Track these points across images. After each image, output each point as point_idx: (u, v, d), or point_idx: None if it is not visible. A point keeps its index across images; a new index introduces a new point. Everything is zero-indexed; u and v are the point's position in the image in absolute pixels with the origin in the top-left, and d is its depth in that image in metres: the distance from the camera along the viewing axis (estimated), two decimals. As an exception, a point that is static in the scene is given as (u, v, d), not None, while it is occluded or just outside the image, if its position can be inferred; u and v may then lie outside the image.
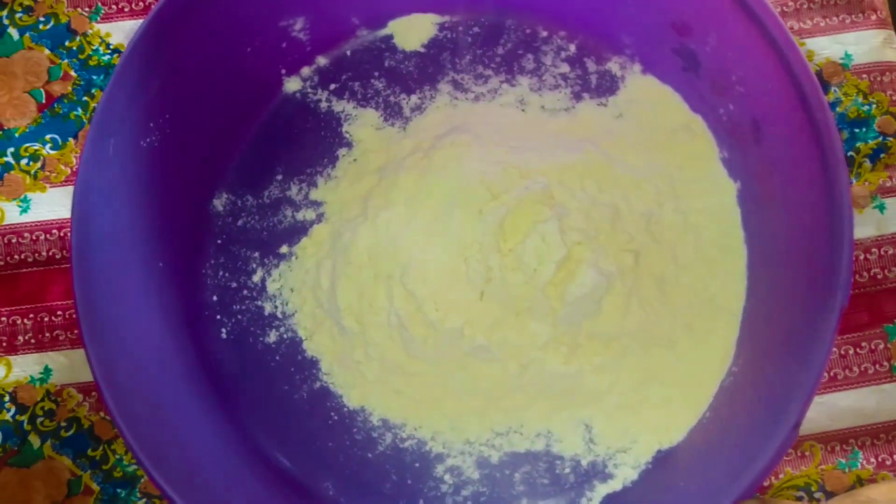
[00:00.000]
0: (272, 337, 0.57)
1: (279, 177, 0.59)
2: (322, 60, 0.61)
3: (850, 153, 0.60)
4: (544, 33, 0.61)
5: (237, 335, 0.57)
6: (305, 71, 0.61)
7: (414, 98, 0.61)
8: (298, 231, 0.58)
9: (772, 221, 0.52)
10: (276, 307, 0.57)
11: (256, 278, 0.58)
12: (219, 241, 0.58)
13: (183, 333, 0.55)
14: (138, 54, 0.50)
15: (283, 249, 0.58)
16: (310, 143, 0.60)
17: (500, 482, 0.54)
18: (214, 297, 0.57)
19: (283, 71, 0.61)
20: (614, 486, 0.53)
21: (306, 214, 0.59)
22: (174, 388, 0.52)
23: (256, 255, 0.58)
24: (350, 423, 0.55)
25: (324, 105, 0.61)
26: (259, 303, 0.57)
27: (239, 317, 0.57)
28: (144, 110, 0.52)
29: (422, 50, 0.61)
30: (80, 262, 0.48)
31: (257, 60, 0.58)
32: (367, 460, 0.54)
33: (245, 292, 0.58)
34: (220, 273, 0.58)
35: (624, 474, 0.53)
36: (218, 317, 0.57)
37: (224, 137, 0.59)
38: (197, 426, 0.52)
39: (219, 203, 0.59)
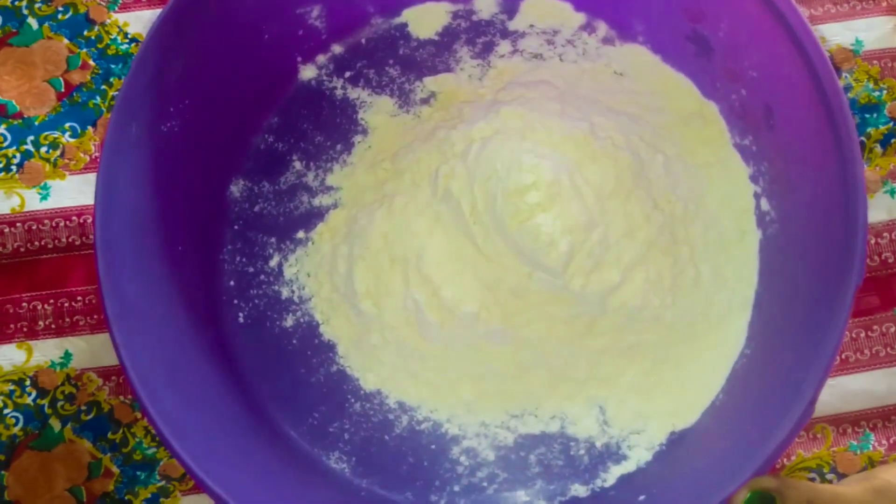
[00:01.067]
0: (289, 321, 0.58)
1: (295, 163, 0.60)
2: (337, 48, 0.62)
3: (861, 138, 0.61)
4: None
5: (254, 319, 0.58)
6: (321, 59, 0.62)
7: (429, 83, 0.62)
8: (314, 216, 0.59)
9: (784, 206, 0.53)
10: (292, 292, 0.58)
11: (273, 263, 0.59)
12: (236, 227, 0.60)
13: (201, 318, 0.56)
14: (159, 40, 0.51)
15: (300, 235, 0.59)
16: (325, 129, 0.61)
17: (515, 464, 0.55)
18: (232, 283, 0.59)
19: (300, 59, 0.62)
20: (628, 466, 0.54)
21: (322, 200, 0.60)
22: (194, 370, 0.53)
23: (273, 240, 0.59)
24: (367, 405, 0.56)
25: (339, 92, 0.62)
26: (276, 287, 0.58)
27: (256, 301, 0.58)
28: (164, 95, 0.53)
29: (436, 38, 0.62)
30: (103, 244, 0.49)
31: (274, 48, 0.60)
32: (383, 442, 0.55)
33: (262, 277, 0.59)
34: (238, 258, 0.59)
35: (638, 455, 0.54)
36: (235, 301, 0.58)
37: (241, 124, 0.60)
38: (217, 407, 0.53)
39: (236, 189, 0.60)
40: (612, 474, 0.54)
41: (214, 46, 0.55)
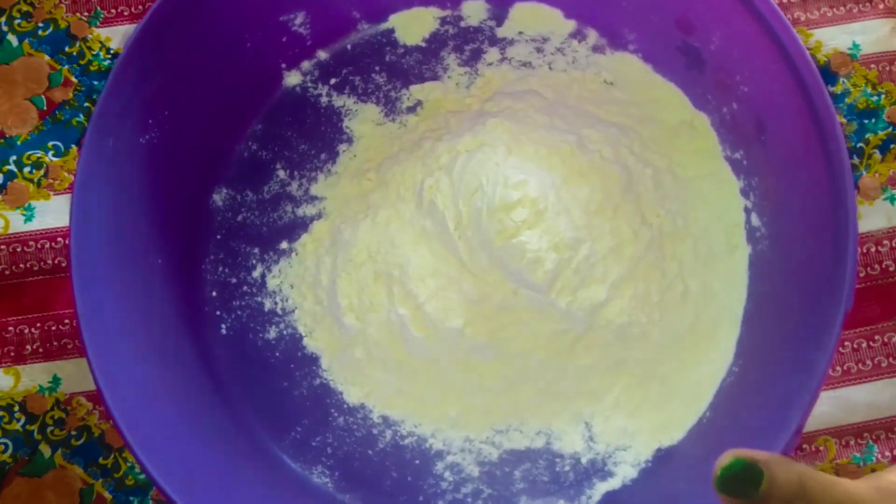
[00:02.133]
0: (272, 333, 0.58)
1: (279, 172, 0.60)
2: (322, 55, 0.62)
3: (859, 144, 0.61)
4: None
5: (237, 331, 0.58)
6: (306, 65, 0.62)
7: (416, 92, 0.61)
8: (298, 227, 0.60)
9: (775, 222, 0.53)
10: (275, 303, 0.59)
11: (256, 274, 0.59)
12: (218, 237, 0.60)
13: (183, 330, 0.56)
14: (137, 51, 0.51)
15: (283, 245, 0.59)
16: (310, 138, 0.61)
17: (499, 480, 0.55)
18: (214, 293, 0.59)
19: (284, 65, 0.61)
20: (614, 484, 0.54)
21: (306, 210, 0.60)
22: (174, 385, 0.53)
23: (256, 250, 0.59)
24: (350, 419, 0.57)
25: (324, 100, 0.62)
26: (259, 299, 0.59)
27: (239, 312, 0.59)
28: (144, 107, 0.53)
29: (423, 44, 0.62)
30: (79, 261, 0.49)
31: (257, 55, 0.59)
32: (367, 457, 0.56)
33: (245, 288, 0.59)
34: (220, 269, 0.59)
35: (624, 472, 0.54)
36: (218, 312, 0.58)
37: (224, 132, 0.60)
38: (197, 423, 0.53)
39: (218, 198, 0.60)
40: (598, 491, 0.54)
41: (195, 56, 0.55)
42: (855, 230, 0.46)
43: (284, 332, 0.58)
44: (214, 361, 0.57)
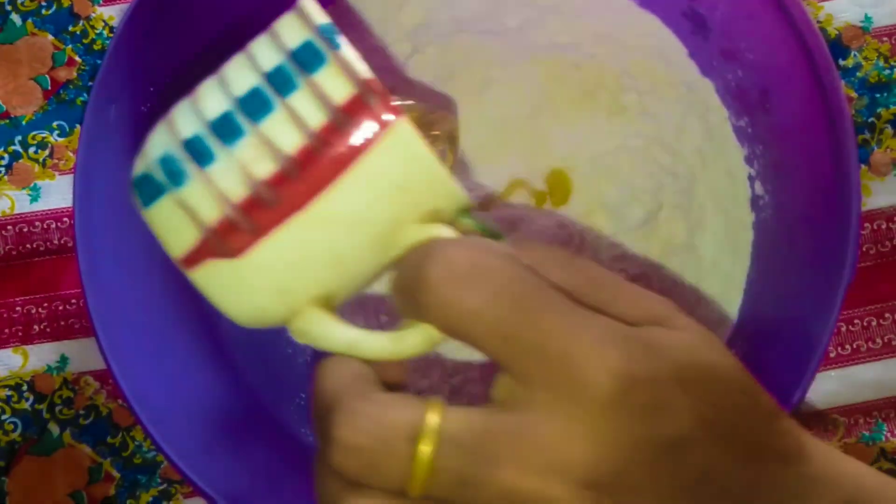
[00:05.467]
0: None
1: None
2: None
3: (870, 119, 0.62)
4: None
5: None
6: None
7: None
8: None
9: (779, 191, 0.55)
10: None
11: None
12: None
13: (188, 300, 0.58)
14: (138, 18, 0.53)
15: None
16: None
17: None
18: None
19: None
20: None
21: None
22: (182, 356, 0.56)
23: None
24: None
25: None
26: None
27: None
28: (145, 75, 0.55)
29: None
30: (83, 233, 0.51)
31: (258, 21, 0.60)
32: None
33: None
34: None
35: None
36: None
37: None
38: (206, 393, 0.56)
39: None
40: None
41: (196, 22, 0.57)
42: (858, 202, 0.47)
43: (290, 299, 0.60)
44: (219, 330, 0.60)
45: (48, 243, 0.63)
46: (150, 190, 0.34)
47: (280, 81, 0.33)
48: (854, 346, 0.60)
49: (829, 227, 0.47)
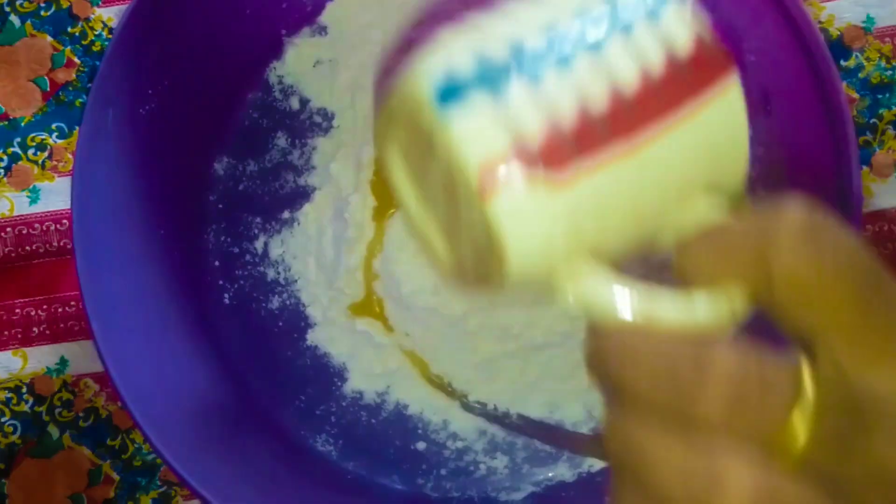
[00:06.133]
0: (275, 303, 0.61)
1: (280, 141, 0.63)
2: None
3: (872, 120, 0.62)
4: None
5: (240, 301, 0.61)
6: (306, 31, 0.64)
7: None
8: (300, 196, 0.62)
9: (779, 193, 0.54)
10: (278, 273, 0.62)
11: (259, 244, 0.62)
12: (220, 206, 0.63)
13: (186, 301, 0.60)
14: (136, 20, 0.54)
15: (286, 215, 0.62)
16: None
17: (501, 447, 0.58)
18: (217, 263, 0.62)
19: (284, 32, 0.64)
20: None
21: (308, 179, 0.63)
22: (180, 358, 0.57)
23: (258, 220, 0.62)
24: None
25: (326, 66, 0.64)
26: (261, 269, 0.62)
27: (241, 282, 0.62)
28: (143, 78, 0.56)
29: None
30: (81, 234, 0.51)
31: (257, 22, 0.62)
32: (370, 425, 0.59)
33: (247, 258, 0.62)
34: (222, 238, 0.62)
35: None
36: (220, 282, 0.62)
37: (224, 101, 0.63)
38: (203, 395, 0.57)
39: (220, 167, 0.63)
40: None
41: (193, 26, 0.58)
42: (860, 203, 0.48)
43: (287, 302, 0.61)
44: (218, 332, 0.60)
45: (47, 245, 0.63)
46: (455, 92, 0.28)
47: (617, 12, 0.29)
48: (856, 348, 0.60)
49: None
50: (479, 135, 0.28)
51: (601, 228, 0.29)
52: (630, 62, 0.28)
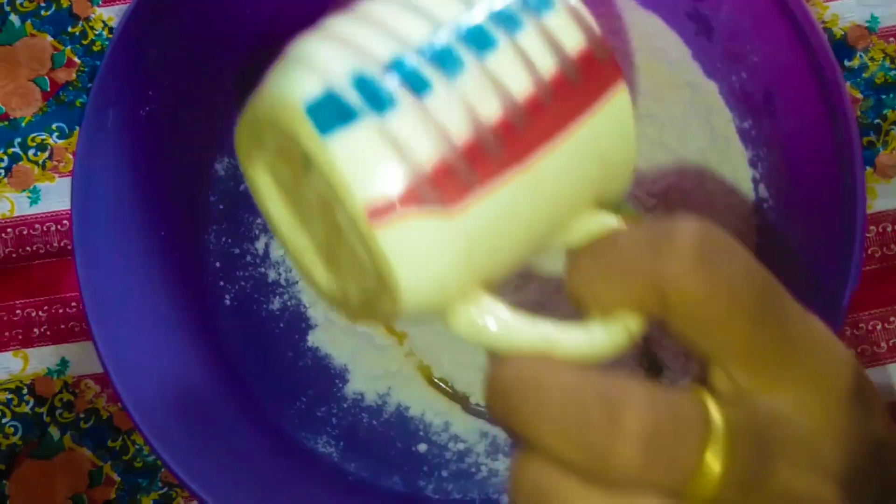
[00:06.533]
0: (276, 304, 0.61)
1: (281, 139, 0.62)
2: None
3: (876, 120, 0.62)
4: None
5: (241, 302, 0.62)
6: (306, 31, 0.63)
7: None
8: (301, 196, 0.62)
9: (782, 193, 0.55)
10: (279, 274, 0.62)
11: (259, 245, 0.62)
12: (221, 207, 0.63)
13: (187, 302, 0.60)
14: (135, 20, 0.54)
15: (287, 215, 0.61)
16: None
17: (502, 449, 0.58)
18: (217, 264, 0.62)
19: (284, 32, 0.63)
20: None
21: (310, 179, 0.62)
22: (181, 360, 0.57)
23: (259, 220, 0.62)
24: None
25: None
26: (262, 269, 0.62)
27: (242, 283, 0.62)
28: (144, 78, 0.56)
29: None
30: (81, 234, 0.52)
31: (256, 22, 0.61)
32: (371, 427, 0.60)
33: (248, 258, 0.62)
34: (223, 239, 0.62)
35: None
36: (221, 283, 0.62)
37: (225, 100, 0.62)
38: (204, 398, 0.57)
39: (220, 167, 0.63)
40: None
41: (193, 26, 0.58)
42: (863, 204, 0.48)
43: (288, 303, 0.61)
44: (219, 333, 0.60)
45: (48, 246, 0.63)
46: (336, 113, 0.26)
47: (502, 17, 0.27)
48: (859, 349, 0.60)
49: (834, 230, 0.48)
50: (365, 161, 0.25)
51: (495, 251, 0.27)
52: (520, 70, 0.27)
